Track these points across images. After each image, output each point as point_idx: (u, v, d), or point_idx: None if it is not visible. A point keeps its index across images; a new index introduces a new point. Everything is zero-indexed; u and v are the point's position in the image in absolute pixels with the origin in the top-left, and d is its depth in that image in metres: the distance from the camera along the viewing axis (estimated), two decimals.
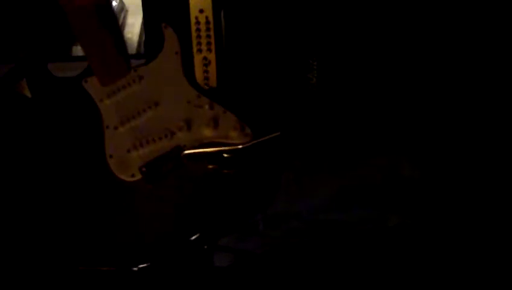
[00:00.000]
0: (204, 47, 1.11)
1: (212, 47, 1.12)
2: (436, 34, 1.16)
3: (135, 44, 1.21)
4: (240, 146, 1.02)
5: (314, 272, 1.14)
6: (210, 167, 1.03)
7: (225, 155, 1.01)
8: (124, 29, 1.20)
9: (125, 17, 1.20)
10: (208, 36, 1.11)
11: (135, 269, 1.00)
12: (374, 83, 1.19)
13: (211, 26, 1.11)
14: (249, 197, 1.01)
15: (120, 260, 1.01)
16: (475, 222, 1.14)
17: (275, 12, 1.16)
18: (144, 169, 1.04)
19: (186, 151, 1.04)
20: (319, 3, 1.16)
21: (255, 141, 1.01)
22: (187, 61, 1.08)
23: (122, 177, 1.05)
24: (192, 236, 0.99)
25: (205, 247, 1.04)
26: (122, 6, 1.19)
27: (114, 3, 1.17)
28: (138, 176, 1.05)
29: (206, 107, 1.06)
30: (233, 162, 1.02)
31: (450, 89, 1.17)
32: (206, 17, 1.10)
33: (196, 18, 1.10)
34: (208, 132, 1.05)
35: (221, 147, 1.03)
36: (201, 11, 1.10)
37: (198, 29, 1.11)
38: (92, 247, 1.02)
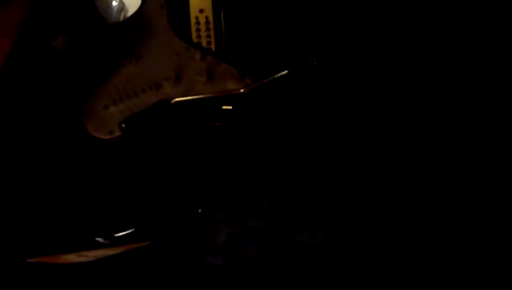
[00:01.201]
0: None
1: (212, 47, 1.11)
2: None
3: None
4: (242, 90, 0.93)
5: (311, 273, 1.05)
6: (204, 121, 0.94)
7: (224, 107, 0.92)
8: None
9: (125, 17, 1.19)
10: (208, 36, 1.11)
11: (103, 241, 0.92)
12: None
13: (211, 26, 1.11)
14: (252, 160, 0.94)
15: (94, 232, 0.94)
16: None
17: (275, 12, 1.17)
18: (123, 125, 0.96)
19: (177, 99, 0.95)
20: (320, 3, 1.17)
21: (260, 83, 0.92)
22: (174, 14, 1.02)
23: (98, 135, 0.97)
24: (182, 205, 0.93)
25: (199, 210, 0.95)
26: (122, 6, 1.19)
27: (114, 3, 1.16)
28: (117, 133, 0.97)
29: (198, 57, 0.99)
30: (233, 114, 0.94)
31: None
32: (206, 17, 1.10)
33: (196, 18, 1.10)
34: (200, 83, 0.98)
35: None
36: (201, 11, 1.10)
37: (198, 29, 1.11)
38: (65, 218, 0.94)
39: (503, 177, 1.11)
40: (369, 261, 1.05)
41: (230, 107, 0.94)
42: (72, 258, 0.95)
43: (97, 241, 0.93)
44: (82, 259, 0.95)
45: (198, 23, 1.10)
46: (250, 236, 1.04)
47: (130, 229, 0.95)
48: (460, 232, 1.08)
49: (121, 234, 0.95)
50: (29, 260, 0.93)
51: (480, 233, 1.07)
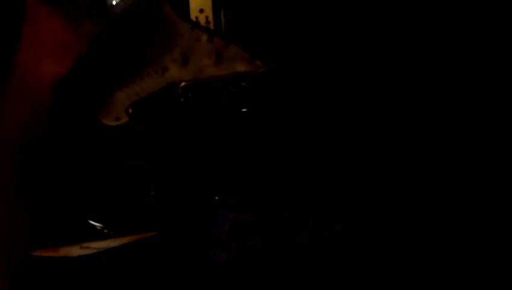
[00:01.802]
0: None
1: None
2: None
3: None
4: (260, 69, 0.92)
5: (316, 269, 1.03)
6: (215, 104, 0.93)
7: (233, 89, 0.92)
8: None
9: None
10: None
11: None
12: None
13: (211, 26, 1.11)
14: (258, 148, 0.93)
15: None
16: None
17: (276, 13, 1.17)
18: (130, 110, 0.94)
19: (186, 82, 0.93)
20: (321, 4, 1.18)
21: (272, 65, 0.92)
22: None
23: (104, 121, 0.95)
24: (192, 194, 0.90)
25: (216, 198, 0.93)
26: None
27: (114, 3, 1.16)
28: (124, 119, 0.95)
29: (204, 39, 0.97)
30: (246, 96, 0.92)
31: None
32: (206, 17, 1.10)
33: (196, 18, 1.10)
34: (208, 65, 0.95)
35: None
36: (201, 11, 1.10)
37: None
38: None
39: (503, 177, 1.11)
40: (375, 254, 1.03)
41: (244, 84, 0.94)
42: (75, 250, 0.91)
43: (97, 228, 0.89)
44: (85, 251, 0.91)
45: (198, 23, 1.10)
46: (254, 228, 1.02)
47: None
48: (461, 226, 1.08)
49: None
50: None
51: (480, 233, 1.08)
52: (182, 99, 0.95)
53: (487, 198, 1.10)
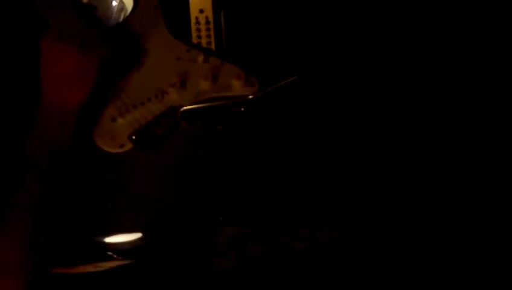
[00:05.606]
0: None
1: (212, 47, 1.11)
2: None
3: None
4: (250, 96, 0.92)
5: (315, 277, 1.08)
6: (214, 127, 0.93)
7: (231, 109, 0.91)
8: None
9: (125, 17, 1.18)
10: (208, 36, 1.10)
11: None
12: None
13: (211, 26, 1.11)
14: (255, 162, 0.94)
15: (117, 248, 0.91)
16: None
17: (275, 12, 1.16)
18: (134, 137, 0.94)
19: (185, 108, 0.94)
20: (320, 3, 1.17)
21: (269, 89, 0.91)
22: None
23: (110, 149, 0.94)
24: (197, 211, 0.90)
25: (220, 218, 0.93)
26: (122, 6, 1.17)
27: (114, 3, 1.15)
28: (128, 146, 0.94)
29: (200, 60, 0.98)
30: (241, 118, 0.92)
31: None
32: (206, 17, 1.09)
33: (196, 18, 1.09)
34: (205, 86, 0.96)
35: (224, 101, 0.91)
36: (201, 11, 1.09)
37: (198, 29, 1.10)
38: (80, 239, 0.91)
39: (503, 177, 1.14)
40: (371, 260, 1.08)
41: (242, 109, 0.93)
42: (89, 268, 0.97)
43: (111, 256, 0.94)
44: (98, 269, 0.98)
45: (198, 23, 1.09)
46: (251, 238, 1.07)
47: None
48: (460, 232, 1.11)
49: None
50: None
51: (480, 233, 1.11)
52: (183, 123, 0.95)
53: (487, 198, 1.14)
